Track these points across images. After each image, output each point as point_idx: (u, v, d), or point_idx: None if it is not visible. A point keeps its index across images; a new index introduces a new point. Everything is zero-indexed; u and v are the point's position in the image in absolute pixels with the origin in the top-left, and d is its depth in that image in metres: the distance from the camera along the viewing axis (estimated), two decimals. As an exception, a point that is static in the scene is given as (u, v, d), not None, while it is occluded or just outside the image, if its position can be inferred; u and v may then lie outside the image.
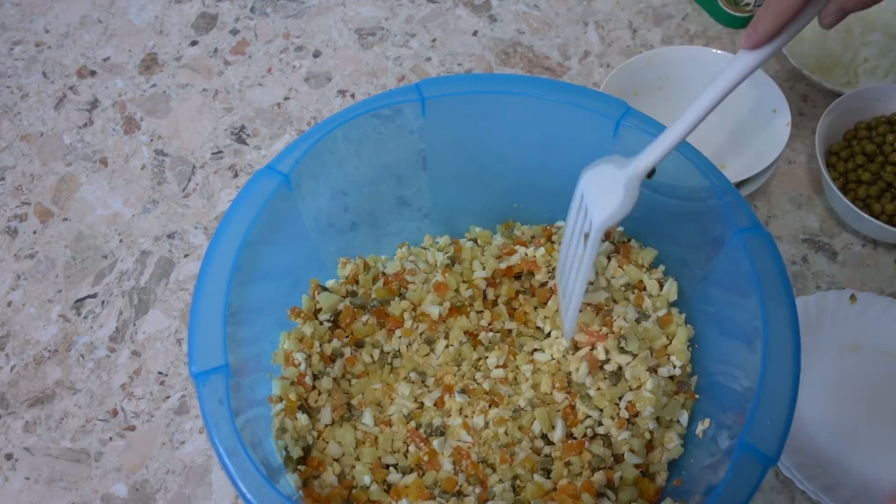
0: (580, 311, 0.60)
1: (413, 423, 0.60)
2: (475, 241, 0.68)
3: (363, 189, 0.65)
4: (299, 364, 0.60)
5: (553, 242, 0.66)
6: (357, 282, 0.66)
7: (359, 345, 0.64)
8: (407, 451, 0.59)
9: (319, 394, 0.60)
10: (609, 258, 0.64)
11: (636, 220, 0.64)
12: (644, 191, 0.60)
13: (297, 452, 0.56)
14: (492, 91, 0.61)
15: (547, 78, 0.86)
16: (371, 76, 0.88)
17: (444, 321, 0.63)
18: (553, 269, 0.65)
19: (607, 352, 0.60)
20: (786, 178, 0.79)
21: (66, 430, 0.67)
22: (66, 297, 0.74)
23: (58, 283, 0.75)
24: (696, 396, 0.59)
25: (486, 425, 0.60)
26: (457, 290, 0.64)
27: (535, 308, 0.65)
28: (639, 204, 0.60)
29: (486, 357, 0.63)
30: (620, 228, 0.65)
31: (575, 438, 0.58)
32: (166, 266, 0.76)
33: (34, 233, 0.78)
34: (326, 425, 0.59)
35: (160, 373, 0.70)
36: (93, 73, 0.89)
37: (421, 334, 0.64)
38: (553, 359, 0.62)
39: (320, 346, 0.62)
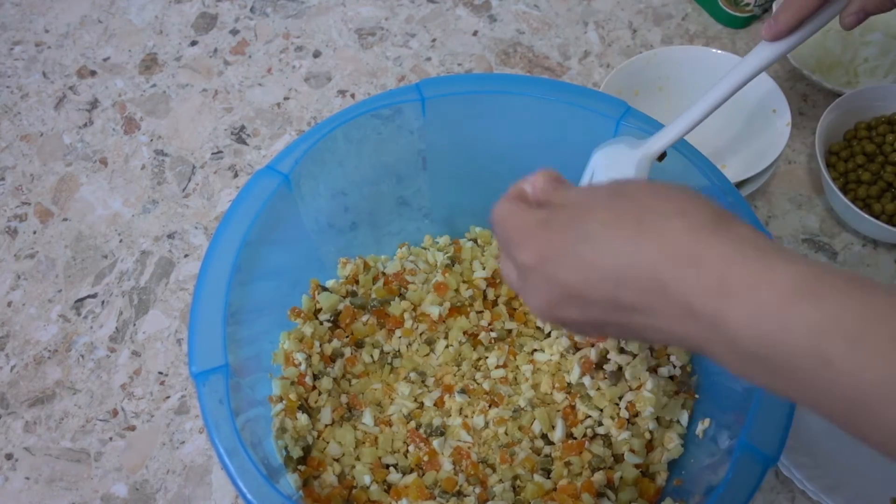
0: None
1: (413, 423, 0.60)
2: (475, 241, 0.68)
3: (363, 189, 0.65)
4: (299, 364, 0.60)
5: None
6: (357, 282, 0.66)
7: (359, 345, 0.64)
8: (407, 451, 0.59)
9: (319, 394, 0.60)
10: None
11: (636, 220, 0.64)
12: (644, 191, 0.60)
13: (297, 452, 0.56)
14: (492, 91, 0.61)
15: (547, 78, 0.86)
16: (371, 76, 0.88)
17: (444, 321, 0.64)
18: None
19: (606, 352, 0.60)
20: (786, 178, 0.79)
21: (66, 430, 0.67)
22: (66, 297, 0.74)
23: (58, 283, 0.75)
24: (696, 396, 0.59)
25: (486, 425, 0.60)
26: (457, 290, 0.64)
27: (535, 308, 0.65)
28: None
29: (486, 357, 0.63)
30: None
31: (575, 438, 0.58)
32: (166, 266, 0.76)
33: (34, 233, 0.78)
34: (326, 425, 0.59)
35: (160, 373, 0.70)
36: (93, 73, 0.89)
37: (421, 334, 0.64)
38: (552, 359, 0.62)
39: (320, 346, 0.62)
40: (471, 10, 0.92)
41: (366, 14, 0.93)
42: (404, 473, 0.58)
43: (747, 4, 0.86)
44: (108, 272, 0.76)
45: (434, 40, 0.90)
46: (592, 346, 0.60)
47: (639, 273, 0.35)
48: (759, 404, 0.48)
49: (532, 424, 0.59)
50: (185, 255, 0.76)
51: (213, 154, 0.83)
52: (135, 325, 0.72)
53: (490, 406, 0.61)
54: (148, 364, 0.70)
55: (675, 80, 0.80)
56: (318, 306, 0.64)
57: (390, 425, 0.60)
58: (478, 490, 0.56)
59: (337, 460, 0.58)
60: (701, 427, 0.56)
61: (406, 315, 0.64)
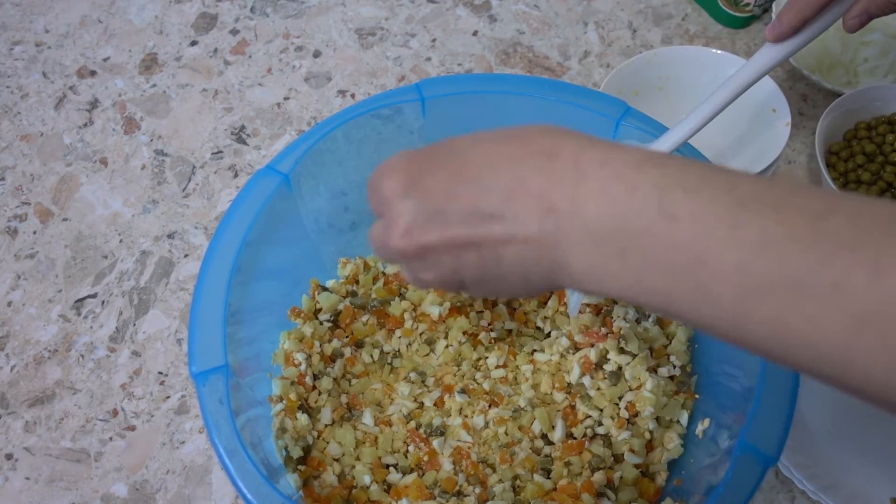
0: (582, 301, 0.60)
1: (413, 423, 0.60)
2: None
3: (363, 189, 0.65)
4: (299, 364, 0.60)
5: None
6: (357, 282, 0.66)
7: (359, 345, 0.64)
8: (407, 451, 0.59)
9: (319, 394, 0.60)
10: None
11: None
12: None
13: (297, 452, 0.56)
14: (492, 91, 0.61)
15: (547, 78, 0.86)
16: (371, 76, 0.88)
17: (444, 321, 0.64)
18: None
19: (606, 352, 0.60)
20: (786, 178, 0.79)
21: (66, 430, 0.67)
22: (66, 297, 0.74)
23: (58, 283, 0.75)
24: (696, 396, 0.59)
25: (486, 425, 0.60)
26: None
27: (535, 308, 0.65)
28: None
29: (486, 357, 0.63)
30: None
31: (575, 438, 0.58)
32: (166, 266, 0.76)
33: (34, 233, 0.78)
34: (326, 425, 0.59)
35: (160, 373, 0.70)
36: (93, 73, 0.89)
37: (421, 334, 0.64)
38: (553, 359, 0.62)
39: (320, 346, 0.62)
40: (471, 10, 0.92)
41: (366, 14, 0.93)
42: (404, 473, 0.58)
43: (747, 4, 0.86)
44: (108, 272, 0.76)
45: (434, 40, 0.90)
46: (592, 346, 0.60)
47: (500, 174, 0.36)
48: (759, 404, 0.48)
49: (532, 424, 0.59)
50: (185, 255, 0.76)
51: (213, 154, 0.83)
52: (135, 325, 0.72)
53: (490, 406, 0.61)
54: (148, 364, 0.70)
55: (675, 80, 0.80)
56: (318, 306, 0.64)
57: (390, 425, 0.60)
58: (478, 490, 0.56)
59: (337, 460, 0.58)
60: (701, 427, 0.56)
61: (406, 315, 0.64)
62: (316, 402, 0.60)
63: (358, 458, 0.58)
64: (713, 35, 0.89)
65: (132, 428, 0.67)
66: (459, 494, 0.56)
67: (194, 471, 0.65)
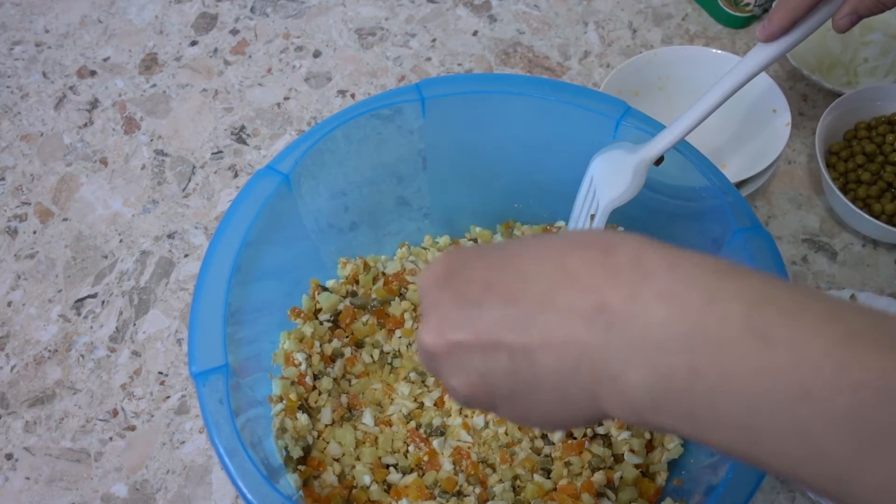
0: None
1: (413, 423, 0.60)
2: (475, 241, 0.68)
3: (363, 189, 0.65)
4: (299, 364, 0.60)
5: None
6: (357, 282, 0.66)
7: (359, 345, 0.64)
8: (407, 451, 0.59)
9: (320, 394, 0.60)
10: (609, 258, 0.64)
11: (636, 220, 0.64)
12: (644, 191, 0.60)
13: (297, 452, 0.56)
14: (492, 91, 0.61)
15: (547, 78, 0.86)
16: (371, 76, 0.88)
17: (444, 321, 0.63)
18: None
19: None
20: (786, 178, 0.79)
21: (66, 430, 0.67)
22: (66, 297, 0.74)
23: (58, 283, 0.75)
24: (696, 396, 0.59)
25: (486, 425, 0.60)
26: (457, 290, 0.64)
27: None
28: (639, 204, 0.60)
29: (486, 357, 0.63)
30: (621, 228, 0.65)
31: (575, 438, 0.58)
32: (166, 266, 0.76)
33: (34, 233, 0.78)
34: (326, 425, 0.59)
35: (160, 373, 0.70)
36: (93, 73, 0.89)
37: (421, 334, 0.64)
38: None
39: (320, 346, 0.62)
40: (471, 10, 0.92)
41: (366, 14, 0.93)
42: (404, 473, 0.58)
43: (747, 4, 0.86)
44: (108, 272, 0.76)
45: (434, 40, 0.90)
46: None
47: (545, 265, 0.31)
48: (759, 404, 0.48)
49: (532, 424, 0.59)
50: (185, 255, 0.76)
51: (213, 154, 0.83)
52: (135, 325, 0.72)
53: (490, 406, 0.61)
54: (148, 364, 0.70)
55: (675, 80, 0.80)
56: (318, 306, 0.64)
57: (390, 425, 0.60)
58: (478, 490, 0.56)
59: (337, 460, 0.58)
60: (701, 427, 0.56)
61: (406, 315, 0.64)
62: (316, 402, 0.60)
63: (358, 458, 0.58)
64: (713, 35, 0.89)
65: (132, 428, 0.67)
66: (459, 494, 0.56)
67: (194, 471, 0.65)
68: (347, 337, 0.64)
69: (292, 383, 0.60)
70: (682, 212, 0.60)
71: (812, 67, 0.82)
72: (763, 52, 0.52)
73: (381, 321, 0.64)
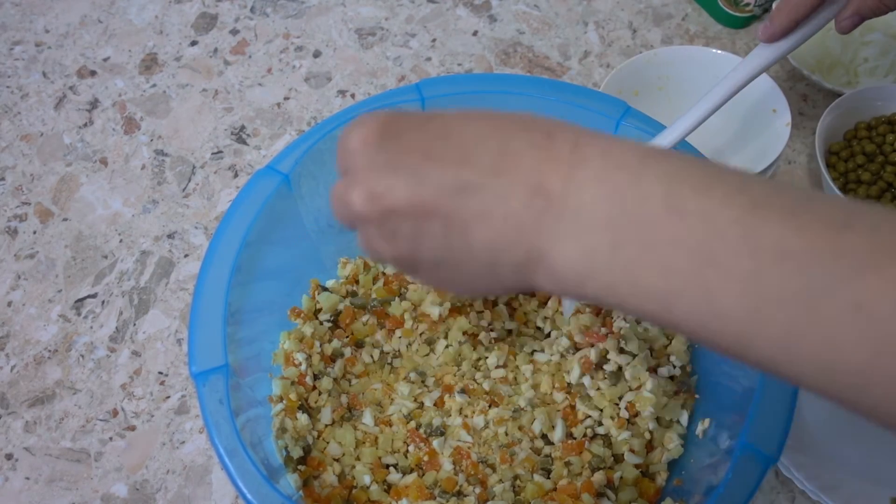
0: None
1: (413, 423, 0.60)
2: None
3: (363, 189, 0.65)
4: (300, 364, 0.60)
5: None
6: (357, 282, 0.66)
7: (359, 345, 0.64)
8: (407, 451, 0.59)
9: (320, 394, 0.60)
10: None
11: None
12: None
13: (297, 452, 0.56)
14: (492, 91, 0.61)
15: (547, 78, 0.86)
16: (371, 76, 0.88)
17: (444, 321, 0.63)
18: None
19: (606, 352, 0.60)
20: (786, 178, 0.79)
21: (66, 430, 0.67)
22: (66, 297, 0.74)
23: (58, 283, 0.75)
24: (696, 396, 0.59)
25: (486, 425, 0.60)
26: (457, 290, 0.64)
27: (536, 308, 0.65)
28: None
29: (486, 357, 0.63)
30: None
31: (575, 438, 0.58)
32: (166, 266, 0.76)
33: (34, 233, 0.78)
34: (326, 425, 0.59)
35: (160, 373, 0.70)
36: (93, 73, 0.89)
37: (421, 334, 0.64)
38: (552, 359, 0.62)
39: (320, 346, 0.62)
40: (471, 10, 0.92)
41: (366, 14, 0.93)
42: (404, 473, 0.58)
43: (747, 4, 0.86)
44: (108, 272, 0.76)
45: (434, 40, 0.90)
46: (592, 346, 0.60)
47: (488, 144, 0.32)
48: (759, 404, 0.48)
49: (532, 424, 0.59)
50: (185, 255, 0.76)
51: (213, 154, 0.83)
52: (135, 325, 0.72)
53: (490, 406, 0.61)
54: (148, 364, 0.70)
55: (675, 80, 0.80)
56: (318, 306, 0.64)
57: (390, 425, 0.60)
58: (478, 490, 0.56)
59: (337, 460, 0.58)
60: (701, 427, 0.56)
61: (406, 315, 0.64)
62: (316, 402, 0.60)
63: (358, 458, 0.58)
64: (713, 35, 0.89)
65: (132, 428, 0.67)
66: (459, 494, 0.56)
67: (194, 471, 0.65)
68: (347, 337, 0.64)
69: (292, 383, 0.60)
70: (682, 212, 0.60)
71: (812, 67, 0.82)
72: (765, 53, 0.52)
73: (381, 321, 0.64)
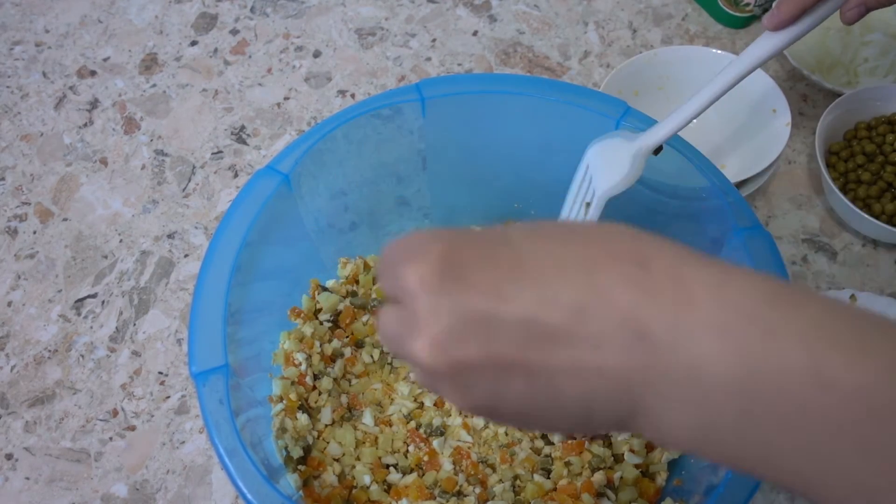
0: None
1: (413, 423, 0.60)
2: (475, 240, 0.68)
3: (363, 189, 0.65)
4: (300, 364, 0.60)
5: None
6: (357, 282, 0.66)
7: (359, 345, 0.64)
8: (407, 451, 0.59)
9: (320, 394, 0.60)
10: (609, 258, 0.64)
11: (636, 220, 0.64)
12: (645, 191, 0.60)
13: (297, 452, 0.56)
14: (492, 91, 0.61)
15: (547, 78, 0.86)
16: (371, 76, 0.88)
17: (444, 321, 0.63)
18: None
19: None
20: (786, 178, 0.79)
21: (66, 430, 0.67)
22: (66, 297, 0.74)
23: (58, 283, 0.75)
24: (696, 396, 0.59)
25: (486, 425, 0.60)
26: (457, 290, 0.64)
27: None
28: (639, 204, 0.60)
29: (486, 357, 0.63)
30: (620, 228, 0.65)
31: (575, 438, 0.58)
32: (166, 266, 0.76)
33: (34, 233, 0.78)
34: (326, 425, 0.59)
35: (160, 373, 0.70)
36: (93, 73, 0.89)
37: (421, 334, 0.64)
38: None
39: (321, 346, 0.62)
40: (471, 10, 0.92)
41: (366, 14, 0.93)
42: (404, 473, 0.58)
43: (747, 4, 0.86)
44: (108, 272, 0.76)
45: (434, 40, 0.90)
46: None
47: (571, 278, 0.27)
48: (759, 404, 0.48)
49: (532, 424, 0.59)
50: (185, 255, 0.76)
51: (213, 154, 0.83)
52: (135, 325, 0.72)
53: (490, 406, 0.61)
54: (148, 364, 0.70)
55: (675, 80, 0.80)
56: (318, 306, 0.64)
57: (390, 425, 0.60)
58: (478, 490, 0.56)
59: (337, 460, 0.58)
60: (701, 427, 0.56)
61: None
62: (316, 402, 0.60)
63: (358, 458, 0.58)
64: (713, 35, 0.89)
65: (132, 428, 0.67)
66: (459, 494, 0.56)
67: (194, 471, 0.65)
68: (347, 337, 0.64)
69: (292, 383, 0.60)
70: (682, 212, 0.60)
71: (812, 67, 0.82)
72: (769, 42, 0.51)
73: (381, 321, 0.64)
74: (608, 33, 0.90)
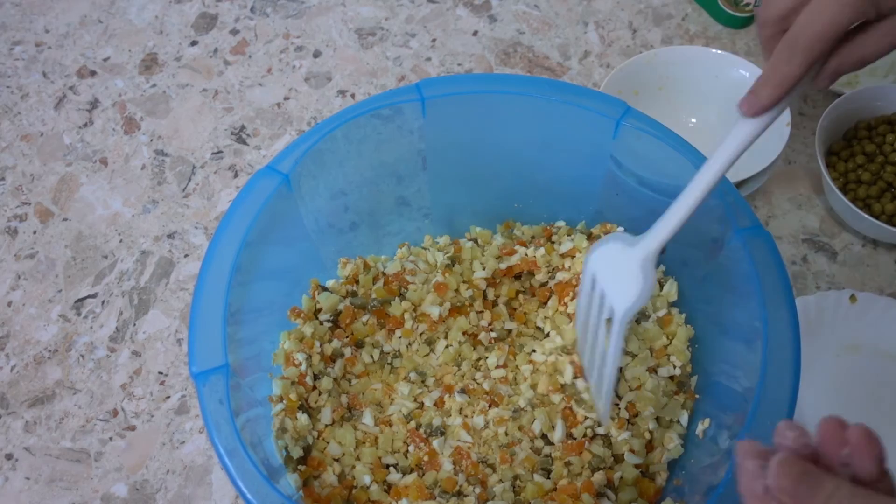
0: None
1: (413, 423, 0.60)
2: (475, 241, 0.68)
3: (363, 189, 0.65)
4: (300, 364, 0.60)
5: (553, 242, 0.66)
6: (357, 282, 0.66)
7: (359, 345, 0.64)
8: (407, 451, 0.59)
9: (320, 394, 0.60)
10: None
11: (636, 220, 0.64)
12: (644, 191, 0.60)
13: (297, 452, 0.56)
14: (492, 91, 0.61)
15: (547, 78, 0.86)
16: (371, 76, 0.88)
17: (444, 321, 0.63)
18: (553, 269, 0.65)
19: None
20: (786, 178, 0.79)
21: (66, 430, 0.67)
22: (66, 297, 0.74)
23: (58, 283, 0.75)
24: (696, 396, 0.59)
25: (486, 425, 0.60)
26: (457, 291, 0.64)
27: (536, 308, 0.65)
28: (639, 204, 0.60)
29: (486, 357, 0.63)
30: (620, 228, 0.65)
31: (575, 439, 0.58)
32: (166, 266, 0.76)
33: (34, 233, 0.78)
34: (326, 425, 0.59)
35: (160, 373, 0.70)
36: (93, 73, 0.89)
37: (421, 334, 0.64)
38: (549, 359, 0.62)
39: (321, 346, 0.62)
40: (471, 10, 0.92)
41: (366, 14, 0.93)
42: (404, 473, 0.58)
43: (747, 4, 0.86)
44: (108, 272, 0.76)
45: (434, 40, 0.90)
46: None
47: None
48: (759, 404, 0.48)
49: (532, 424, 0.59)
50: (185, 255, 0.76)
51: (213, 154, 0.83)
52: (135, 325, 0.72)
53: (490, 406, 0.61)
54: (148, 364, 0.70)
55: (675, 80, 0.80)
56: (318, 306, 0.64)
57: (390, 425, 0.60)
58: (478, 490, 0.56)
59: (337, 460, 0.58)
60: (701, 427, 0.56)
61: (406, 315, 0.64)
62: (316, 402, 0.60)
63: (358, 458, 0.58)
64: (713, 35, 0.89)
65: (132, 428, 0.67)
66: (459, 494, 0.56)
67: (194, 471, 0.65)
68: (347, 337, 0.64)
69: (292, 383, 0.60)
70: (682, 212, 0.60)
71: (812, 67, 0.82)
72: (748, 127, 0.49)
73: (381, 321, 0.64)
74: (608, 33, 0.90)
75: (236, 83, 0.88)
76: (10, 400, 0.69)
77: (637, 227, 0.65)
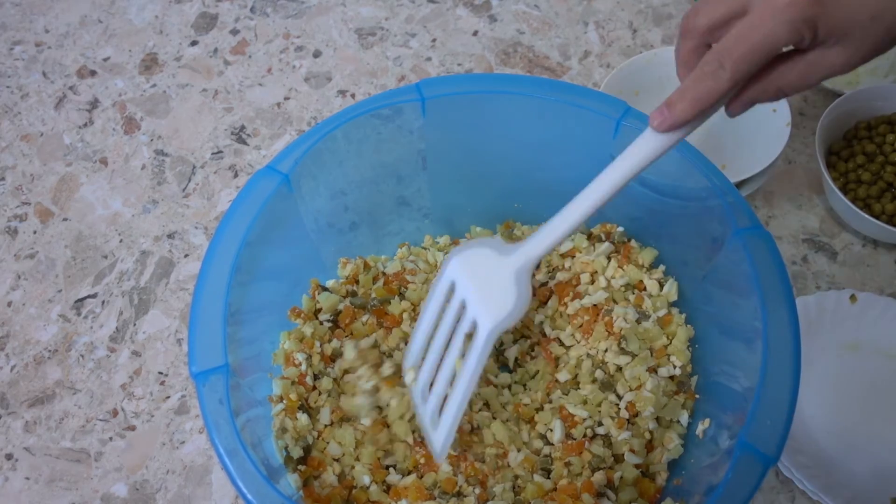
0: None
1: (409, 421, 0.60)
2: (475, 241, 0.68)
3: (363, 189, 0.65)
4: (300, 364, 0.60)
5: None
6: (357, 282, 0.66)
7: (359, 345, 0.64)
8: (406, 455, 0.59)
9: (320, 394, 0.60)
10: (609, 258, 0.64)
11: (636, 220, 0.64)
12: (644, 191, 0.60)
13: (297, 452, 0.56)
14: (492, 91, 0.61)
15: (547, 78, 0.86)
16: (371, 76, 0.88)
17: (443, 321, 0.63)
18: (553, 269, 0.65)
19: (605, 352, 0.60)
20: (786, 178, 0.79)
21: (66, 430, 0.67)
22: (66, 297, 0.74)
23: (58, 283, 0.75)
24: (696, 396, 0.59)
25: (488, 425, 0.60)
26: (457, 290, 0.64)
27: (535, 308, 0.65)
28: (639, 204, 0.60)
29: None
30: (620, 228, 0.65)
31: (574, 439, 0.58)
32: (166, 266, 0.76)
33: (34, 233, 0.78)
34: (326, 425, 0.59)
35: (160, 373, 0.70)
36: (93, 73, 0.89)
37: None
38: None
39: (320, 346, 0.62)
40: (471, 10, 0.92)
41: (366, 14, 0.93)
42: (403, 474, 0.58)
43: (747, 4, 0.86)
44: (108, 272, 0.76)
45: (434, 40, 0.90)
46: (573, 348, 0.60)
47: None
48: (759, 404, 0.48)
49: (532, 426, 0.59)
50: (185, 255, 0.76)
51: (213, 154, 0.83)
52: (135, 325, 0.72)
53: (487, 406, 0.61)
54: (148, 364, 0.70)
55: (675, 81, 0.80)
56: (318, 306, 0.64)
57: (389, 426, 0.60)
58: (478, 490, 0.56)
59: (337, 460, 0.58)
60: (701, 427, 0.56)
61: (406, 315, 0.64)
62: (316, 402, 0.60)
63: (358, 459, 0.58)
64: (713, 35, 0.89)
65: (132, 428, 0.67)
66: (459, 495, 0.56)
67: (194, 471, 0.65)
68: (347, 337, 0.63)
69: (292, 383, 0.60)
70: (682, 212, 0.60)
71: (812, 67, 0.82)
72: (655, 142, 0.45)
73: (381, 321, 0.64)
74: (608, 33, 0.90)
75: (236, 83, 0.88)
76: (10, 400, 0.69)
77: (637, 227, 0.65)
